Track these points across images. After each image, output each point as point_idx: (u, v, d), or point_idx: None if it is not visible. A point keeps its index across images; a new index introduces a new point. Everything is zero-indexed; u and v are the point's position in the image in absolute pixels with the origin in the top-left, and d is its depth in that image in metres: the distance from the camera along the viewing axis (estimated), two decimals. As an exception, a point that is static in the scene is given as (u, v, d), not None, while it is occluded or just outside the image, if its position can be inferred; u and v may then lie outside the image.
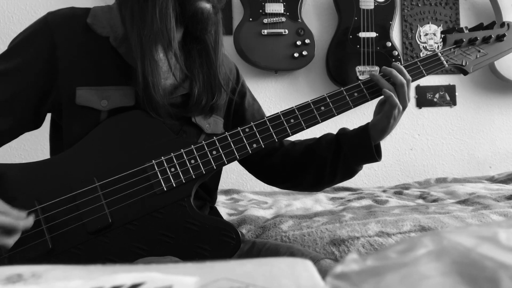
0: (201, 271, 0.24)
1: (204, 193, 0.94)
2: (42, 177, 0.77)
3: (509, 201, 1.37)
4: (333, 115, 0.87)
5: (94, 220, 0.74)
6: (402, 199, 1.61)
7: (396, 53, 2.15)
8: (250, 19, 2.07)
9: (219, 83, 0.88)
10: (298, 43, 2.07)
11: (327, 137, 0.97)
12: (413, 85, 2.29)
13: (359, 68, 2.12)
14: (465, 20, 2.35)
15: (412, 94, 2.32)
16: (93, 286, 0.23)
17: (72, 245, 0.74)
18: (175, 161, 0.78)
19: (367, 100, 0.89)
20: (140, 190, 0.76)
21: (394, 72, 0.88)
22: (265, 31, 2.06)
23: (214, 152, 0.80)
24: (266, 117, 0.84)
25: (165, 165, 0.78)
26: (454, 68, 0.98)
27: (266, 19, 2.07)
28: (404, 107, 0.88)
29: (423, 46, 2.31)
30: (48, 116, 0.88)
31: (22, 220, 0.68)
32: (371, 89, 0.89)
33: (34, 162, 0.78)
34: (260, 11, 2.07)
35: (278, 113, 0.85)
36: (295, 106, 0.85)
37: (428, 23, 2.32)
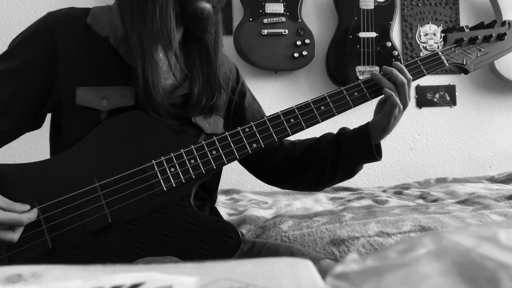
0: (201, 271, 0.24)
1: (204, 193, 0.94)
2: (42, 177, 0.77)
3: (509, 201, 1.37)
4: (333, 115, 0.87)
5: (94, 220, 0.74)
6: (402, 199, 1.61)
7: (396, 53, 2.15)
8: (250, 19, 2.07)
9: (219, 83, 0.88)
10: (298, 43, 2.07)
11: (327, 136, 0.97)
12: (413, 85, 2.28)
13: (359, 68, 2.12)
14: (465, 20, 2.35)
15: (412, 94, 2.32)
16: (93, 286, 0.23)
17: (72, 245, 0.74)
18: (175, 161, 0.78)
19: (367, 100, 0.89)
20: (140, 190, 0.76)
21: (395, 71, 0.88)
22: (265, 31, 2.06)
23: (214, 152, 0.80)
24: (266, 117, 0.84)
25: (165, 165, 0.78)
26: (455, 67, 0.98)
27: (266, 19, 2.07)
28: (405, 107, 0.88)
29: (423, 46, 2.31)
30: (48, 116, 0.88)
31: (25, 213, 0.69)
32: (371, 89, 0.89)
33: (34, 162, 0.78)
34: (260, 11, 2.07)
35: (278, 112, 0.85)
36: (295, 105, 0.85)
37: (428, 23, 2.32)
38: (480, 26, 0.99)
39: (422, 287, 0.22)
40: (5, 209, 0.67)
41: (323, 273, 0.25)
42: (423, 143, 2.32)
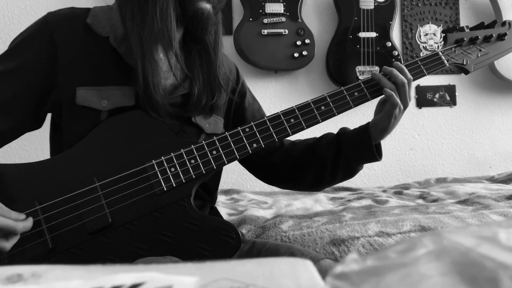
0: (201, 271, 0.24)
1: (204, 193, 0.94)
2: (42, 177, 0.77)
3: (509, 201, 1.37)
4: (334, 115, 0.86)
5: (94, 220, 0.74)
6: (402, 199, 1.61)
7: (396, 53, 2.15)
8: (250, 19, 2.07)
9: (219, 83, 0.88)
10: (298, 43, 2.07)
11: (327, 136, 0.97)
12: (413, 85, 2.28)
13: (359, 68, 2.12)
14: (465, 20, 2.35)
15: (412, 94, 2.32)
16: (93, 286, 0.23)
17: (72, 245, 0.74)
18: (175, 161, 0.78)
19: (368, 100, 0.89)
20: (140, 190, 0.76)
21: (395, 71, 0.88)
22: (265, 31, 2.06)
23: (214, 152, 0.80)
24: (266, 117, 0.84)
25: (165, 165, 0.78)
26: (455, 67, 0.97)
27: (266, 19, 2.07)
28: (405, 107, 0.88)
29: (423, 46, 2.31)
30: (48, 116, 0.88)
31: (21, 222, 0.68)
32: (372, 89, 0.89)
33: (34, 162, 0.78)
34: (260, 11, 2.07)
35: (278, 112, 0.85)
36: (295, 105, 0.85)
37: (428, 23, 2.32)
38: (480, 26, 0.99)
39: (422, 287, 0.22)
40: (1, 216, 0.66)
41: (323, 273, 0.25)
42: (423, 143, 2.32)
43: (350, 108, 0.88)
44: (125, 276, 0.23)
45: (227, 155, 0.80)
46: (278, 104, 2.21)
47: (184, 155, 0.79)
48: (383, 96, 0.88)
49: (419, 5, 2.32)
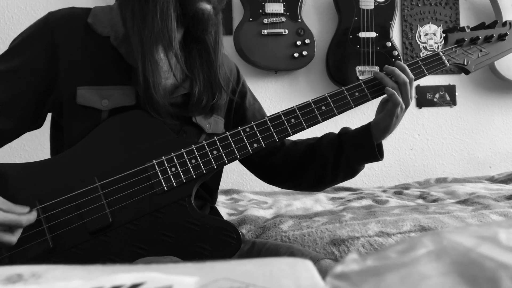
0: (201, 271, 0.24)
1: (205, 193, 0.94)
2: (43, 177, 0.77)
3: (509, 201, 1.37)
4: (334, 115, 0.87)
5: (95, 220, 0.74)
6: (402, 199, 1.61)
7: (396, 53, 2.15)
8: (250, 19, 2.07)
9: (219, 83, 0.88)
10: (298, 43, 2.07)
11: (328, 136, 0.97)
12: (413, 84, 2.28)
13: (359, 68, 2.12)
14: (465, 20, 2.35)
15: (413, 93, 2.32)
16: (93, 286, 0.23)
17: (73, 245, 0.74)
18: (176, 161, 0.78)
19: (368, 100, 0.89)
20: (140, 189, 0.76)
21: (397, 70, 0.88)
22: (265, 31, 2.06)
23: (215, 152, 0.80)
24: (267, 117, 0.84)
25: (166, 164, 0.78)
26: (456, 67, 0.97)
27: (266, 19, 2.07)
28: (407, 106, 0.88)
29: (423, 46, 2.31)
30: (49, 116, 0.88)
31: (25, 215, 0.69)
32: (372, 89, 0.89)
33: (34, 162, 0.78)
34: (260, 11, 2.07)
35: (278, 112, 0.85)
36: (296, 105, 0.85)
37: (428, 23, 2.32)
38: (481, 26, 0.99)
39: (422, 287, 0.22)
40: (4, 211, 0.67)
41: (323, 273, 0.25)
42: (423, 143, 2.32)
43: (351, 108, 0.88)
44: (125, 276, 0.23)
45: (227, 155, 0.80)
46: (278, 104, 2.21)
47: (185, 155, 0.79)
48: (384, 95, 0.89)
49: (419, 5, 2.32)
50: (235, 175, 2.15)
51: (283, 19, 2.08)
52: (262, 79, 2.20)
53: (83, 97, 0.80)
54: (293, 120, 0.84)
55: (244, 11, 2.09)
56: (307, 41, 2.08)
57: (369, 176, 2.27)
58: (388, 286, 0.22)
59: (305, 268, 0.24)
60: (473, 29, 0.99)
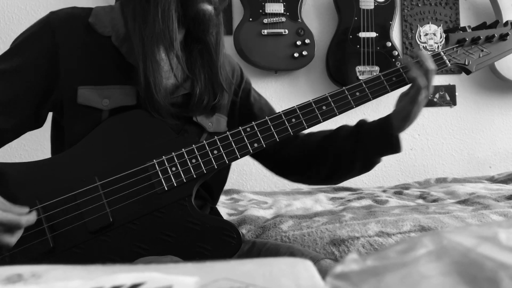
0: (201, 271, 0.24)
1: (206, 193, 0.94)
2: (43, 176, 0.77)
3: (509, 201, 1.37)
4: (335, 115, 0.87)
5: (95, 220, 0.74)
6: (402, 199, 1.61)
7: (396, 53, 2.15)
8: (250, 19, 2.07)
9: (220, 83, 0.88)
10: (298, 43, 2.07)
11: (345, 128, 0.96)
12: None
13: (359, 68, 2.12)
14: (465, 20, 2.35)
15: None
16: (93, 286, 0.23)
17: (73, 244, 0.74)
18: (176, 161, 0.78)
19: (369, 100, 0.89)
20: (141, 189, 0.76)
21: (424, 58, 0.87)
22: (265, 31, 2.06)
23: (215, 152, 0.80)
24: (268, 117, 0.84)
25: (166, 164, 0.78)
26: (456, 67, 0.97)
27: (266, 19, 2.07)
28: (428, 96, 0.87)
29: (423, 46, 2.31)
30: (49, 116, 0.88)
31: (24, 216, 0.69)
32: (373, 89, 0.89)
33: (35, 161, 0.78)
34: (260, 11, 2.07)
35: (279, 112, 0.85)
36: (297, 105, 0.85)
37: (428, 23, 2.32)
38: (482, 26, 0.99)
39: (422, 287, 0.22)
40: (4, 211, 0.66)
41: (323, 273, 0.25)
42: (423, 143, 2.32)
43: (352, 108, 0.88)
44: (125, 276, 0.23)
45: (228, 155, 0.80)
46: (278, 104, 2.20)
47: (185, 155, 0.79)
48: (384, 96, 0.88)
49: (419, 5, 2.32)
50: (235, 175, 2.15)
51: (283, 19, 2.08)
52: (262, 79, 2.20)
53: (84, 97, 0.80)
54: (293, 120, 0.85)
55: (244, 11, 2.09)
56: (307, 41, 2.08)
57: (369, 176, 2.27)
58: (388, 286, 0.22)
59: (305, 268, 0.24)
60: (474, 29, 0.98)
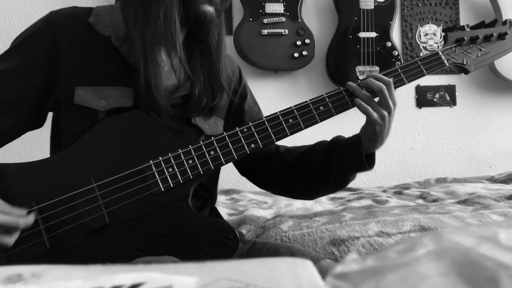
0: (201, 271, 0.24)
1: (205, 193, 0.93)
2: (39, 177, 0.77)
3: (509, 201, 1.37)
4: (332, 115, 0.86)
5: (92, 221, 0.74)
6: (402, 199, 1.61)
7: (396, 53, 2.15)
8: (250, 19, 2.07)
9: (220, 84, 0.87)
10: (298, 43, 2.07)
11: (321, 144, 0.94)
12: (413, 85, 2.29)
13: (359, 68, 2.12)
14: (465, 20, 2.35)
15: (412, 94, 2.32)
16: (93, 286, 0.23)
17: (70, 245, 0.73)
18: (173, 162, 0.78)
19: None
20: (137, 190, 0.76)
21: (370, 81, 0.84)
22: (265, 31, 2.06)
23: (212, 153, 0.80)
24: (265, 118, 0.84)
25: (163, 165, 0.78)
26: (455, 67, 0.97)
27: (266, 19, 2.07)
28: (389, 112, 0.84)
29: (423, 46, 2.31)
30: (49, 115, 0.88)
31: (22, 218, 0.68)
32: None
33: (31, 161, 0.78)
34: (260, 11, 2.07)
35: (276, 113, 0.84)
36: (294, 106, 0.85)
37: (428, 23, 2.32)
38: (481, 25, 0.99)
39: (422, 287, 0.22)
40: (1, 212, 0.66)
41: (323, 273, 0.25)
42: (423, 143, 2.32)
43: (349, 108, 0.87)
44: (125, 276, 0.23)
45: (225, 156, 0.80)
46: (278, 104, 2.21)
47: (182, 156, 0.79)
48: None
49: (419, 5, 2.32)
50: (235, 175, 2.14)
51: (283, 19, 2.08)
52: (262, 79, 2.20)
53: (81, 97, 0.79)
54: (291, 120, 0.84)
55: (244, 11, 2.09)
56: (307, 41, 2.08)
57: (369, 176, 2.27)
58: (388, 286, 0.22)
59: (305, 268, 0.24)
60: (473, 28, 0.98)
